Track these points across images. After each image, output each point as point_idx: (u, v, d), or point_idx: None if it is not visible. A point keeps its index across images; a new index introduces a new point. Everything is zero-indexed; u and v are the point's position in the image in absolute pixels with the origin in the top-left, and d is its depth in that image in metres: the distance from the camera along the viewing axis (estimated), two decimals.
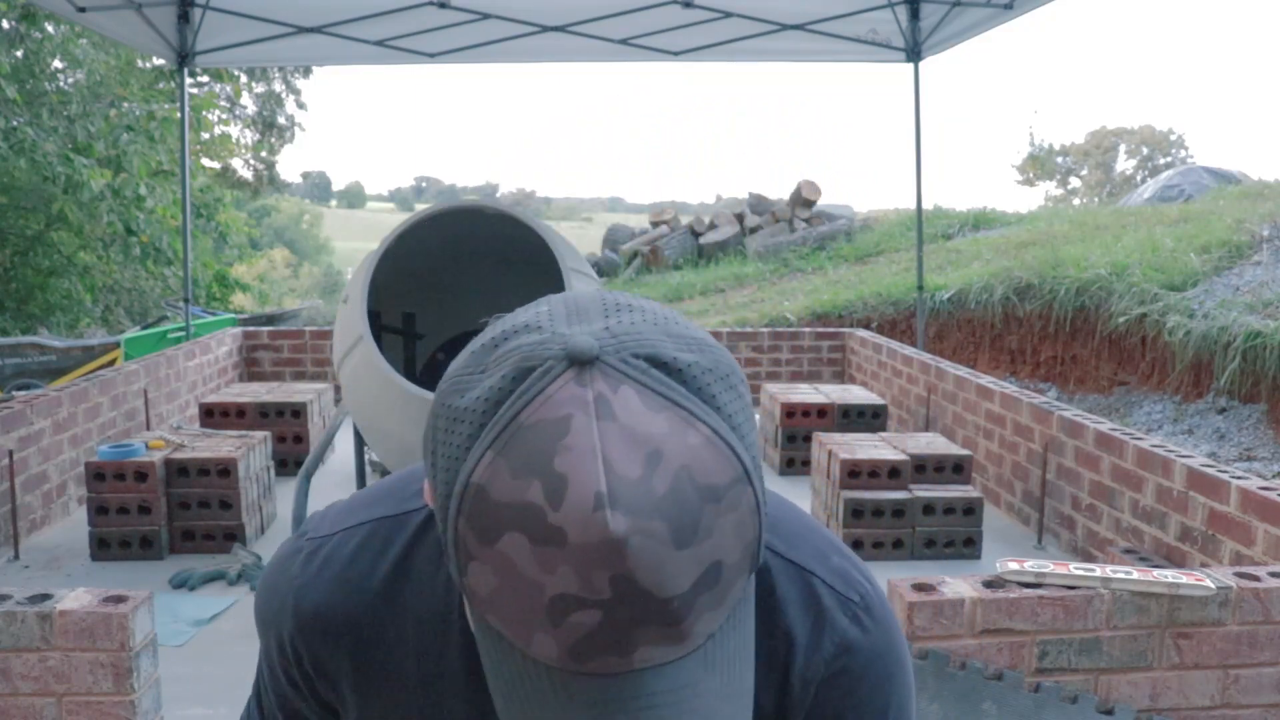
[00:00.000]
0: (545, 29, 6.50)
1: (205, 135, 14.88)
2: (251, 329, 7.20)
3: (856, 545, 4.00)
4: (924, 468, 4.18)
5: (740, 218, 14.67)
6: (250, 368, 7.01)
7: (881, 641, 0.80)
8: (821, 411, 5.27)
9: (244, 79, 16.78)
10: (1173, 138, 30.47)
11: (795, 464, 5.27)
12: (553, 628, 0.57)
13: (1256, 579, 2.27)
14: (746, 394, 0.65)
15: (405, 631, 0.82)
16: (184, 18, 6.27)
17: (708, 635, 0.60)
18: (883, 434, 4.60)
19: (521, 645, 0.60)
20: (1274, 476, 6.30)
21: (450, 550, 0.61)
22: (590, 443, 0.56)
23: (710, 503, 0.58)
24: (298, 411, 5.35)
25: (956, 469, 4.21)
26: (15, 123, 11.11)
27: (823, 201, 14.73)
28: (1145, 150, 30.31)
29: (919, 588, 2.20)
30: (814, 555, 0.81)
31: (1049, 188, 32.18)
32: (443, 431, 0.63)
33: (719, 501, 0.58)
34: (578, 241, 4.06)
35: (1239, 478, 3.17)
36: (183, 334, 7.31)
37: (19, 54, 11.89)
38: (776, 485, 4.99)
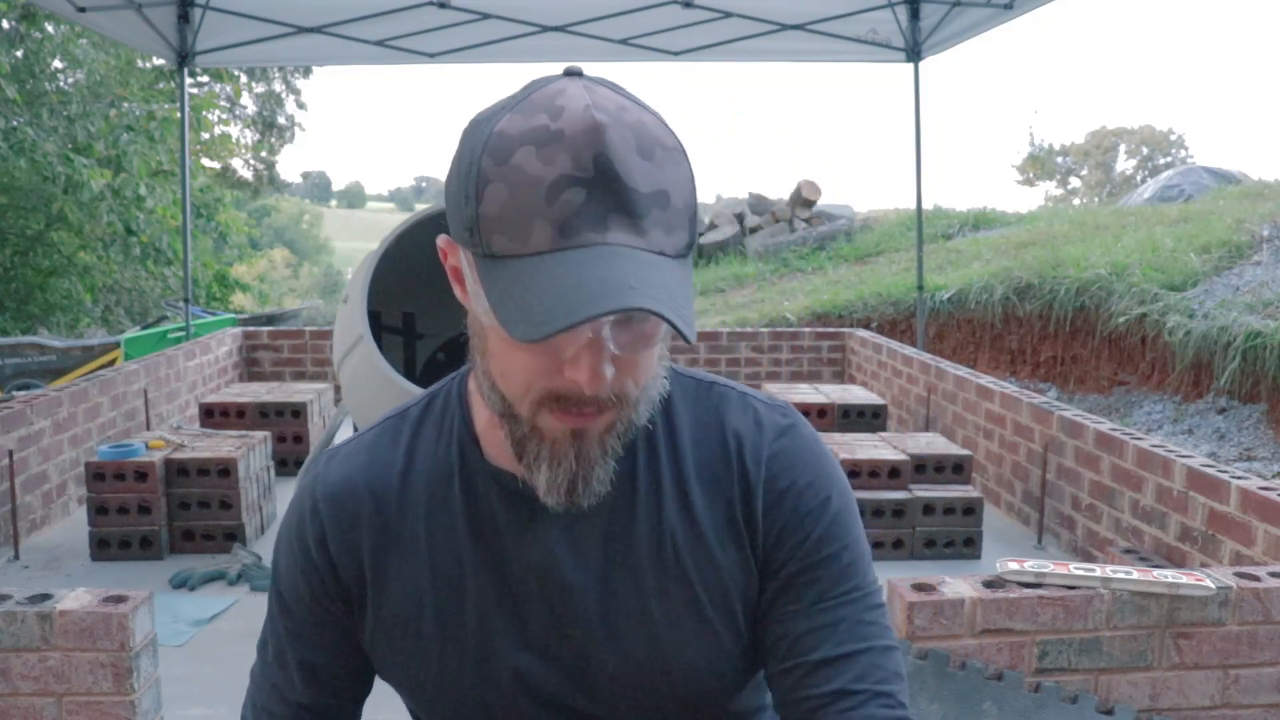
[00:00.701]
0: (545, 29, 6.50)
1: (205, 135, 14.88)
2: (251, 329, 7.20)
3: None
4: (924, 468, 4.18)
5: (740, 218, 14.67)
6: (250, 368, 7.01)
7: (811, 432, 1.00)
8: (821, 411, 5.27)
9: (244, 79, 16.78)
10: (1173, 138, 30.47)
11: None
12: (548, 208, 0.76)
13: (1256, 579, 2.27)
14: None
15: (417, 496, 0.97)
16: (184, 18, 6.26)
17: (660, 251, 0.78)
18: (883, 434, 4.60)
19: (520, 246, 0.77)
20: (1274, 476, 6.30)
21: (471, 190, 0.79)
22: (582, 94, 0.79)
23: (661, 148, 0.80)
24: (298, 411, 5.35)
25: (956, 469, 4.21)
26: (15, 123, 11.11)
27: (823, 201, 14.72)
28: (1145, 150, 30.30)
29: (919, 588, 2.20)
30: (748, 390, 1.03)
31: (1049, 188, 32.20)
32: (469, 135, 0.82)
33: (668, 151, 0.80)
34: None
35: (1239, 478, 3.17)
36: (183, 334, 7.31)
37: (19, 54, 11.89)
38: None
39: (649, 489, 0.96)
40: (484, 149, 0.79)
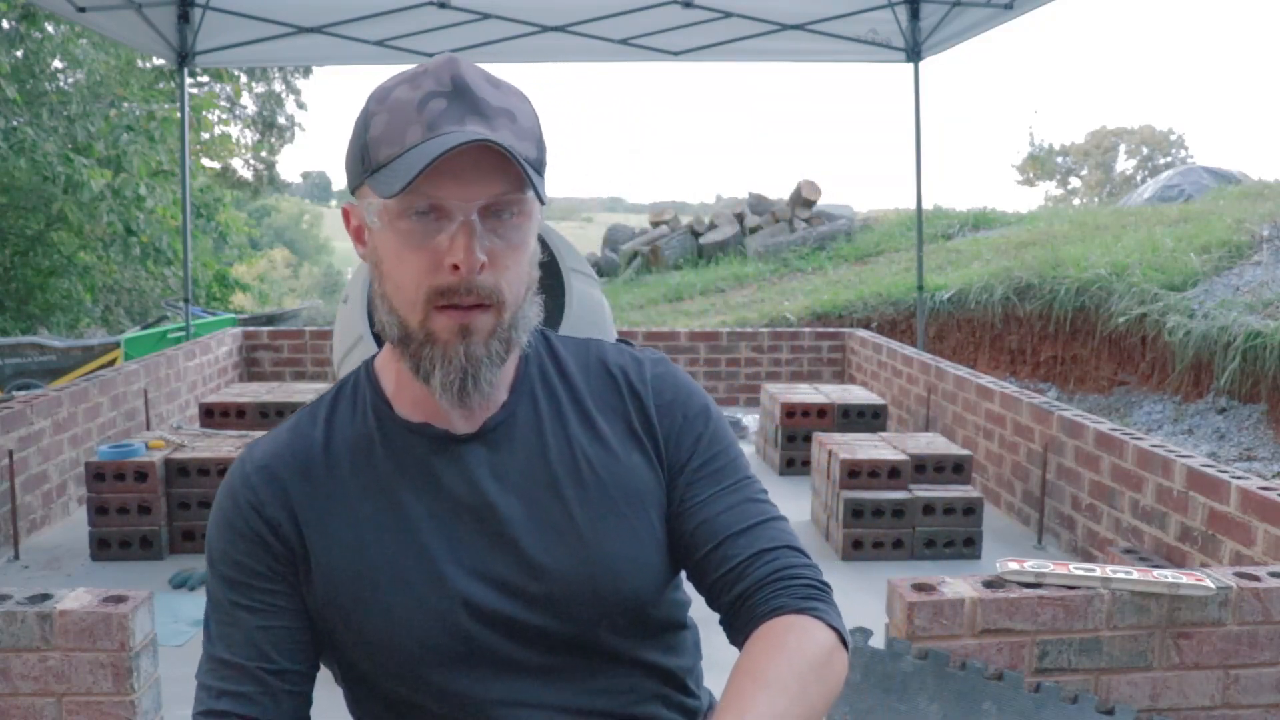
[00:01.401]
0: (545, 29, 6.50)
1: (205, 135, 14.88)
2: (251, 329, 7.20)
3: (856, 545, 4.00)
4: (924, 468, 4.18)
5: (740, 218, 14.66)
6: (250, 368, 7.01)
7: (678, 367, 1.19)
8: (821, 411, 5.27)
9: (244, 79, 16.77)
10: (1173, 138, 30.45)
11: (795, 464, 5.27)
12: (418, 115, 0.96)
13: (1256, 579, 2.27)
14: None
15: (340, 459, 1.07)
16: (184, 18, 6.26)
17: (510, 147, 0.95)
18: (883, 434, 4.60)
19: (398, 148, 0.96)
20: (1274, 476, 6.30)
21: (359, 129, 1.00)
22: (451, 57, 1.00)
23: (509, 89, 1.01)
24: None
25: (956, 469, 4.21)
26: (15, 123, 11.11)
27: (823, 201, 14.71)
28: (1145, 150, 30.29)
29: (919, 588, 2.20)
30: (621, 342, 1.22)
31: (1049, 188, 32.18)
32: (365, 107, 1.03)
33: (515, 92, 1.02)
34: (578, 241, 4.06)
35: (1239, 478, 3.17)
36: (183, 334, 7.31)
37: (19, 54, 11.88)
38: (776, 485, 4.99)
39: (552, 415, 1.11)
40: (370, 99, 1.01)
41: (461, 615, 1.03)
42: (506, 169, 0.97)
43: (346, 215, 1.06)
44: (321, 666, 1.10)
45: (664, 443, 1.11)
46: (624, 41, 6.67)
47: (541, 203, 1.00)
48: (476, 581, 1.03)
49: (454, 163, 0.94)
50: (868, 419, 5.30)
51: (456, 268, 0.96)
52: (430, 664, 1.03)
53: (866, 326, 9.12)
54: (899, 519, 4.03)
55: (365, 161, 0.99)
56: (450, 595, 1.03)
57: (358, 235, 1.05)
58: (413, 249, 0.97)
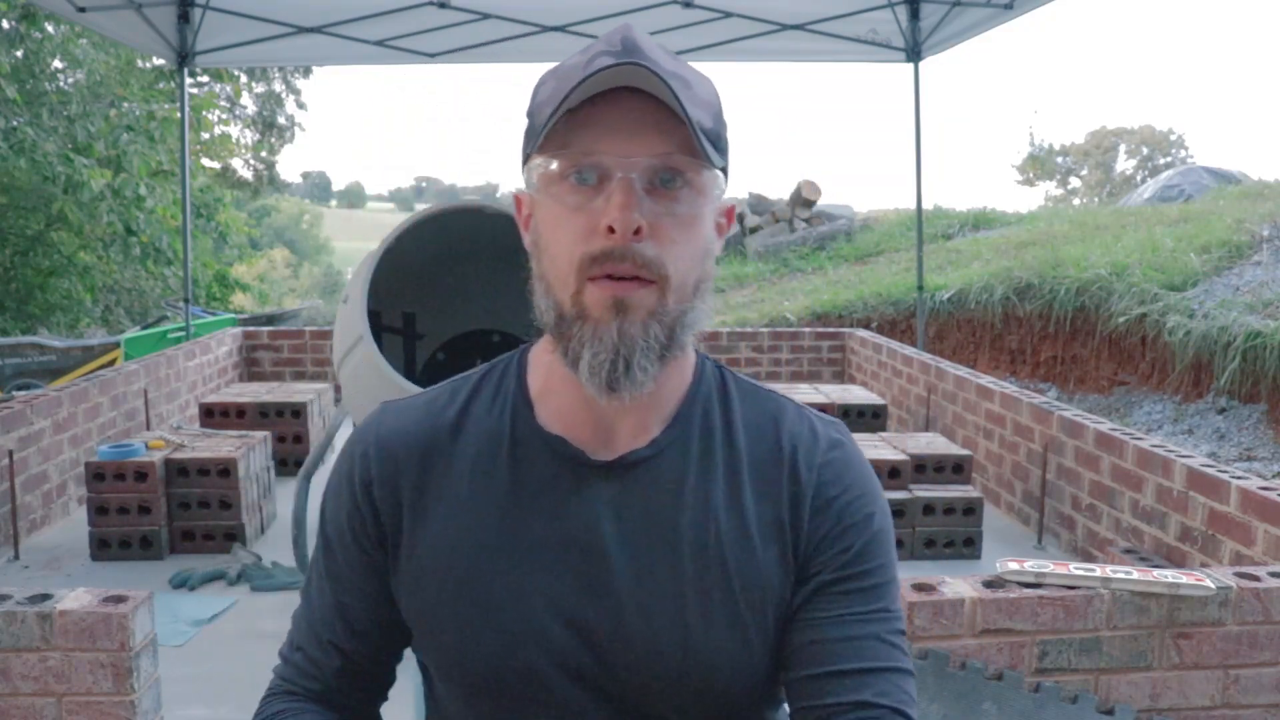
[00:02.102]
0: (545, 29, 6.50)
1: (205, 135, 14.87)
2: (251, 329, 7.20)
3: None
4: (924, 468, 4.18)
5: (740, 218, 14.66)
6: (250, 368, 7.01)
7: (860, 451, 1.05)
8: (822, 411, 5.27)
9: (244, 79, 16.77)
10: (1173, 138, 30.46)
11: None
12: (582, 73, 0.86)
13: (1256, 579, 2.27)
14: None
15: (465, 451, 0.99)
16: (184, 18, 6.26)
17: (676, 95, 0.85)
18: (883, 434, 4.60)
19: (560, 101, 0.86)
20: (1274, 476, 6.30)
21: (532, 97, 0.94)
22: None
23: (690, 68, 0.92)
24: (298, 411, 5.35)
25: (956, 469, 4.21)
26: (15, 123, 11.10)
27: (823, 201, 14.71)
28: (1145, 150, 30.29)
29: (919, 588, 2.20)
30: (805, 407, 1.08)
31: (1049, 188, 32.19)
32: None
33: (696, 72, 0.92)
34: None
35: (1239, 478, 3.17)
36: (183, 334, 7.30)
37: (19, 54, 11.88)
38: None
39: (700, 472, 0.97)
40: (544, 73, 0.94)
41: (534, 653, 0.95)
42: (674, 129, 0.87)
43: (518, 203, 0.98)
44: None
45: (806, 544, 0.97)
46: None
47: (724, 174, 0.91)
48: (561, 624, 0.94)
49: (615, 117, 0.87)
50: (868, 419, 5.30)
51: (611, 230, 0.86)
52: (488, 690, 0.97)
53: (866, 326, 9.12)
54: (899, 519, 4.03)
55: (530, 132, 0.92)
56: (530, 629, 0.95)
57: (526, 224, 0.97)
58: (569, 214, 0.89)
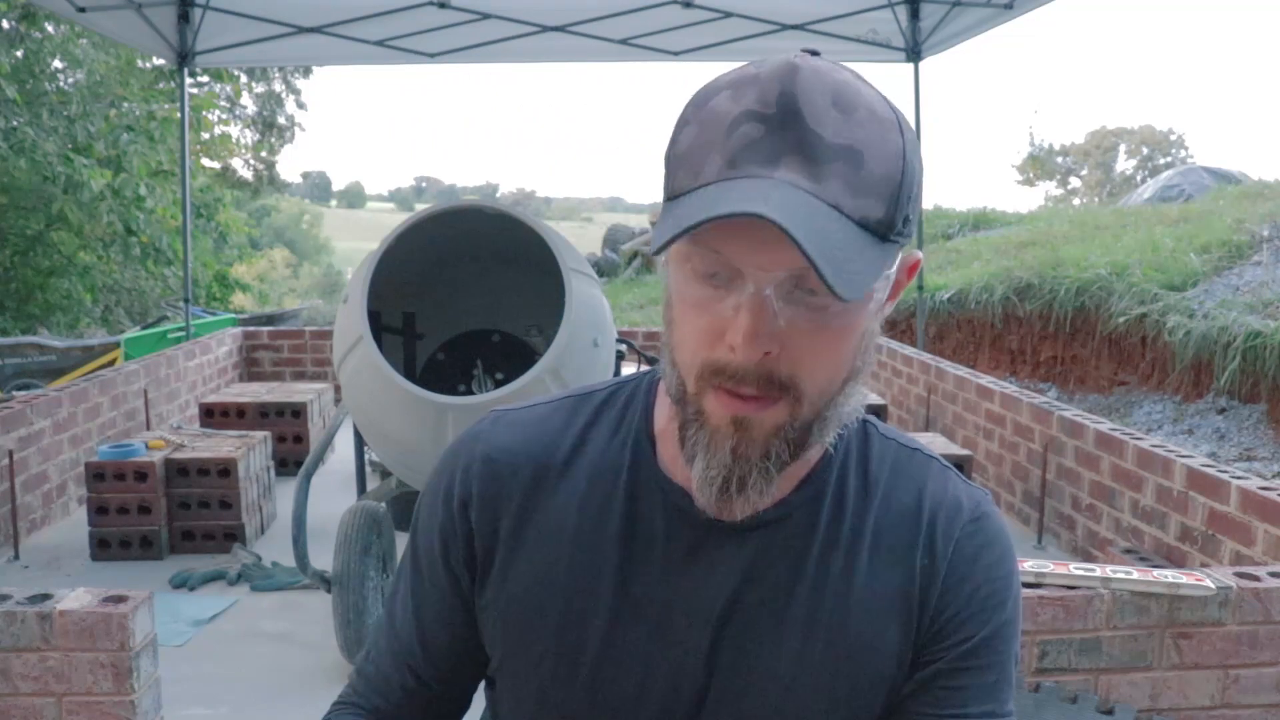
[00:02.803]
0: (545, 29, 6.50)
1: (205, 135, 14.88)
2: (251, 329, 7.20)
3: None
4: None
5: None
6: (250, 368, 7.01)
7: (1003, 524, 0.92)
8: None
9: (244, 79, 16.77)
10: (1173, 138, 30.47)
11: None
12: (725, 142, 0.73)
13: (1256, 579, 2.27)
14: None
15: (577, 484, 0.89)
16: (184, 18, 6.26)
17: (835, 205, 0.71)
18: None
19: (693, 180, 0.74)
20: (1274, 476, 6.30)
21: (674, 132, 0.78)
22: (796, 54, 0.76)
23: (867, 109, 0.73)
24: (298, 411, 5.35)
25: (957, 469, 4.21)
26: (15, 123, 11.10)
27: None
28: (1145, 150, 30.30)
29: None
30: (948, 464, 0.96)
31: (1049, 188, 32.19)
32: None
33: (874, 115, 0.74)
34: (578, 241, 4.06)
35: (1239, 478, 3.17)
36: (183, 334, 7.30)
37: (19, 54, 11.88)
38: None
39: (826, 540, 0.87)
40: (691, 100, 0.78)
41: (598, 712, 0.88)
42: (830, 230, 0.71)
43: (653, 225, 0.90)
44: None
45: (930, 625, 0.87)
46: (624, 41, 6.67)
47: (833, 290, 0.69)
48: (654, 693, 0.86)
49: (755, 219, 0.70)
50: None
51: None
52: None
53: None
54: None
55: (667, 180, 0.78)
56: (619, 692, 0.87)
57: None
58: (694, 308, 0.76)
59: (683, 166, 0.75)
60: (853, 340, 0.78)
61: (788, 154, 0.71)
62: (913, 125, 0.80)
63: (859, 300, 0.72)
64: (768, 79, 0.73)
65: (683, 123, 0.77)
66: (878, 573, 0.86)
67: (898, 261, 0.77)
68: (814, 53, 0.77)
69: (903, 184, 0.74)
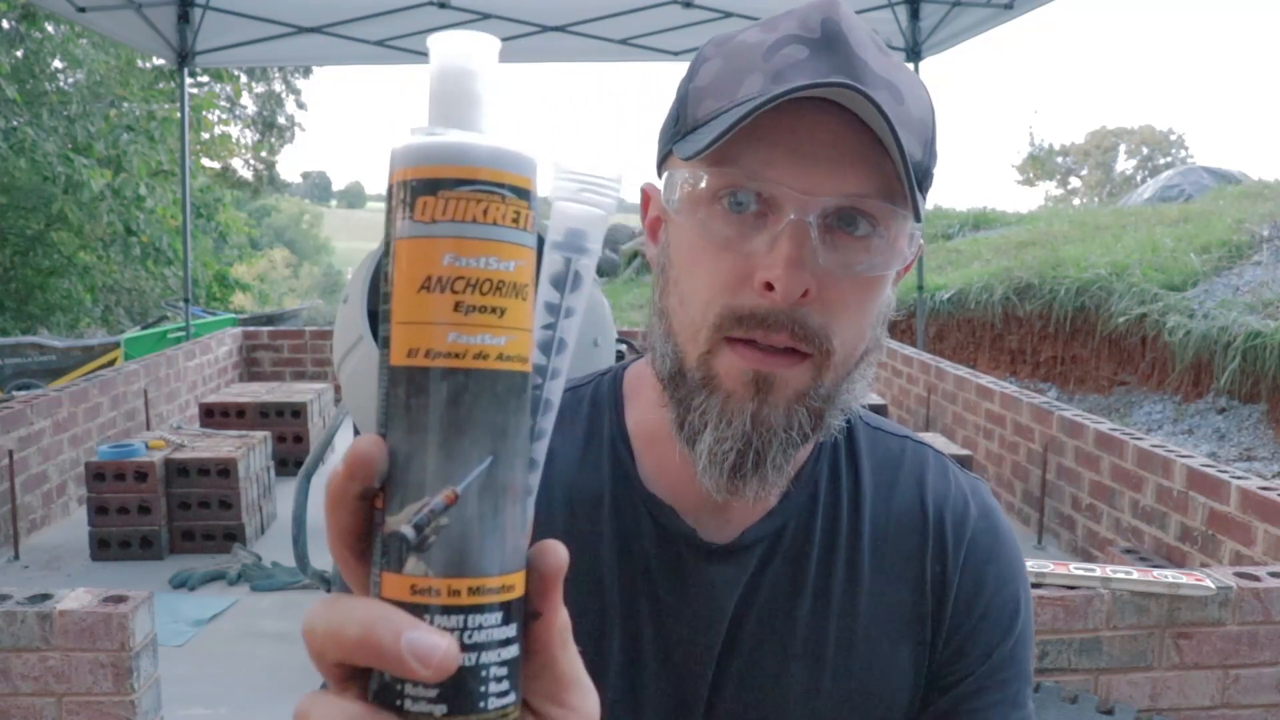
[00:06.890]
0: (545, 29, 6.50)
1: (205, 135, 14.89)
2: (251, 329, 7.20)
3: None
4: None
5: None
6: (250, 368, 7.01)
7: (1006, 521, 0.86)
8: None
9: (244, 79, 16.78)
10: (1173, 138, 30.50)
11: None
12: (763, 62, 0.66)
13: (1256, 579, 2.27)
14: None
15: (557, 512, 0.77)
16: (184, 18, 6.27)
17: (892, 124, 0.62)
18: None
19: (726, 101, 0.66)
20: (1274, 476, 6.30)
21: (685, 77, 0.71)
22: None
23: (899, 60, 0.69)
24: (298, 411, 5.35)
25: None
26: (15, 123, 11.11)
27: None
28: (1145, 150, 30.33)
29: None
30: (943, 455, 0.89)
31: (1049, 188, 32.24)
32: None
33: (904, 66, 0.69)
34: None
35: (1239, 478, 3.17)
36: (183, 334, 7.30)
37: (19, 54, 11.89)
38: None
39: (823, 550, 0.79)
40: (711, 41, 0.72)
41: None
42: (876, 162, 0.65)
43: (645, 200, 0.76)
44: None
45: (946, 642, 0.79)
46: (624, 41, 6.67)
47: (918, 219, 0.66)
48: (627, 709, 0.78)
49: (799, 133, 0.64)
50: None
51: (770, 287, 0.64)
52: None
53: None
54: None
55: (679, 119, 0.70)
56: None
57: (652, 229, 0.75)
58: (714, 248, 0.67)
59: (710, 94, 0.67)
60: (880, 299, 0.70)
61: (836, 74, 0.64)
62: None
63: (907, 242, 0.68)
64: (806, 10, 0.67)
65: (699, 61, 0.70)
66: (884, 585, 0.79)
67: (916, 245, 0.71)
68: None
69: (933, 135, 0.70)
